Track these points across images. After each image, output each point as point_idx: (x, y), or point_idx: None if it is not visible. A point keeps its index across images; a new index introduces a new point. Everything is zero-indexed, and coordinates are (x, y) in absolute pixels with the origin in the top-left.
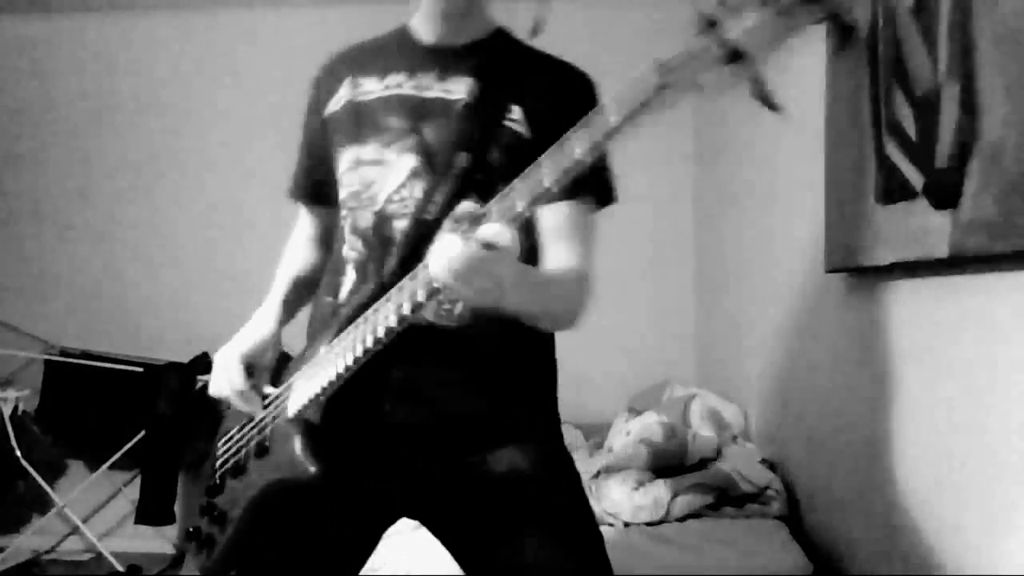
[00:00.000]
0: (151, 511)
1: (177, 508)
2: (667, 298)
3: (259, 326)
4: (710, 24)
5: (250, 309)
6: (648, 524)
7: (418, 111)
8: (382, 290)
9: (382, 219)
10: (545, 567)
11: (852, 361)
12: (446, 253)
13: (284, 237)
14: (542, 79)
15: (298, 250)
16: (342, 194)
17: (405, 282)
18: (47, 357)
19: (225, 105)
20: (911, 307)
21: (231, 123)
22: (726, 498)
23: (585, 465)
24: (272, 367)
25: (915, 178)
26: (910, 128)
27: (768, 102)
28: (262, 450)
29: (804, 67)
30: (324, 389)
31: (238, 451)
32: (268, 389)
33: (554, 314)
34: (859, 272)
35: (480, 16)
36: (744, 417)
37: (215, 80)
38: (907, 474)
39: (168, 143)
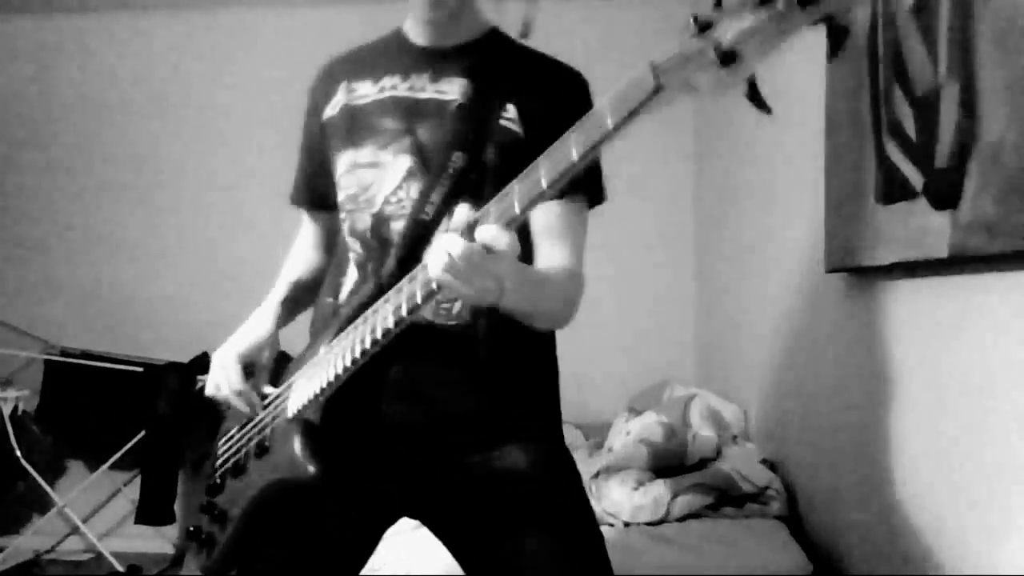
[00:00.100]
0: (151, 511)
1: (177, 508)
2: (667, 298)
3: (256, 326)
4: (705, 26)
5: (250, 309)
6: (648, 524)
7: (412, 112)
8: (381, 291)
9: (380, 220)
10: (546, 567)
11: (852, 361)
12: (446, 253)
13: (284, 237)
14: (535, 78)
15: (300, 254)
16: (340, 197)
17: (404, 283)
18: (47, 357)
19: (225, 105)
20: (911, 307)
21: (231, 123)
22: (726, 498)
23: (585, 465)
24: (271, 367)
25: (915, 178)
26: (910, 128)
27: (759, 103)
28: (262, 450)
29: (804, 66)
30: (323, 389)
31: (238, 451)
32: (268, 389)
33: (548, 313)
34: (859, 272)
35: (472, 17)
36: (744, 417)
37: (215, 80)
38: (907, 474)
39: (168, 143)
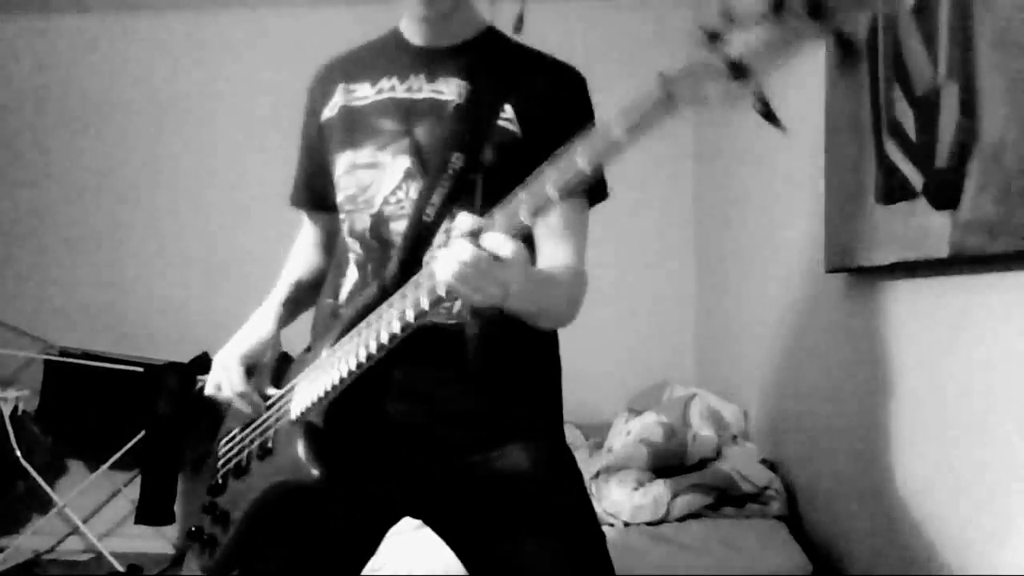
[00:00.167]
0: (151, 511)
1: (177, 508)
2: (667, 298)
3: (258, 327)
4: (713, 38)
5: (250, 309)
6: (648, 524)
7: (410, 113)
8: (383, 293)
9: (379, 221)
10: (547, 566)
11: (852, 361)
12: (455, 259)
13: (284, 237)
14: (532, 77)
15: (301, 254)
16: (339, 198)
17: (408, 287)
18: (47, 357)
19: (225, 105)
20: (911, 307)
21: (231, 123)
22: (726, 498)
23: (585, 465)
24: (272, 368)
25: (915, 178)
26: (910, 128)
27: (772, 119)
28: (265, 451)
29: (804, 67)
30: (327, 393)
31: (240, 451)
32: (270, 390)
33: (552, 312)
34: (859, 272)
35: (468, 16)
36: (744, 417)
37: (215, 80)
38: (907, 474)
39: (168, 143)
